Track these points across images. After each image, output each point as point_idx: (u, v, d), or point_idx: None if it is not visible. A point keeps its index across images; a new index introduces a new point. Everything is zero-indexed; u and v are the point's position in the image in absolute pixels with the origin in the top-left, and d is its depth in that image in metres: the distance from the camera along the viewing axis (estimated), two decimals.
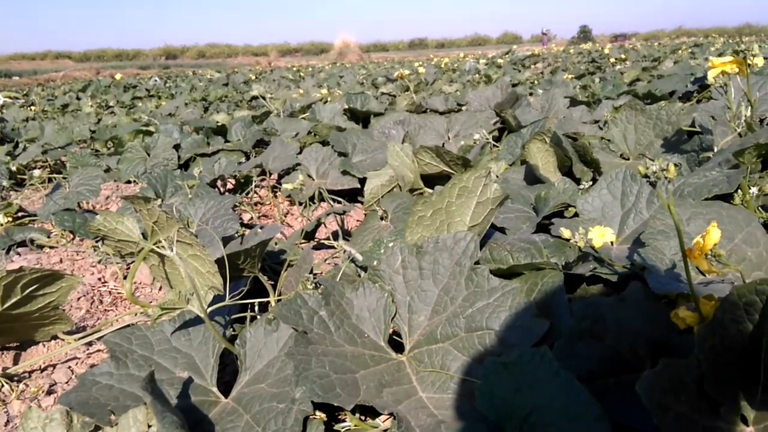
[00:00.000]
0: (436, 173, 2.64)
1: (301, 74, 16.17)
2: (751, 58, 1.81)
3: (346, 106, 4.92)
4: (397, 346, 1.31)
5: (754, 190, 1.63)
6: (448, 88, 7.57)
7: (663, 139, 2.35)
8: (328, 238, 2.57)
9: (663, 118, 2.38)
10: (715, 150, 1.97)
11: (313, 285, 1.54)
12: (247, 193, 3.35)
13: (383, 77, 10.75)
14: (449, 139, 3.64)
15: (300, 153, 3.37)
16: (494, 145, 3.20)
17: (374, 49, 64.94)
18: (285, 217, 3.14)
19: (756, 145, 1.59)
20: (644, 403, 0.83)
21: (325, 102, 5.88)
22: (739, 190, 1.57)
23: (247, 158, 3.99)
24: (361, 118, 4.83)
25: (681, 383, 0.90)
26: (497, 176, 2.47)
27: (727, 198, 1.58)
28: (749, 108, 1.89)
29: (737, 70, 1.79)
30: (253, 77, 15.15)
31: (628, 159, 2.48)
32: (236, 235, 2.13)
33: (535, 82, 7.89)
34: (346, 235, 2.52)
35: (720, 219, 1.27)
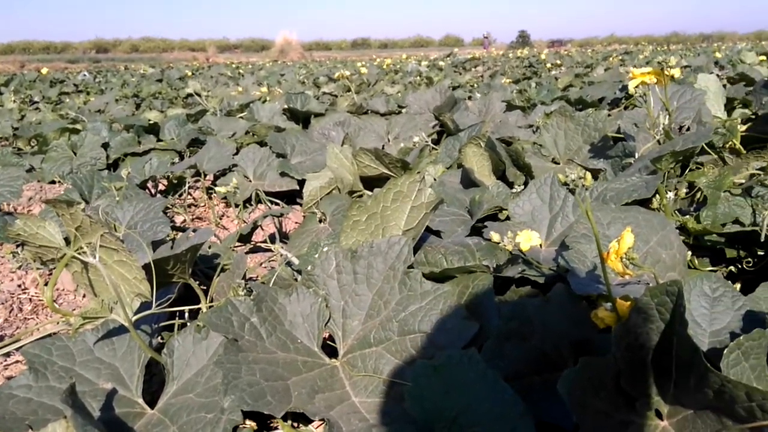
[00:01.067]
0: (375, 175, 2.65)
1: (241, 71, 15.83)
2: (668, 69, 1.92)
3: (286, 106, 4.86)
4: (331, 351, 1.30)
5: (671, 195, 1.72)
6: (390, 89, 7.60)
7: (590, 145, 2.45)
8: (265, 241, 2.53)
9: (590, 125, 2.48)
10: (637, 156, 2.07)
11: (246, 291, 1.52)
12: (180, 195, 3.26)
13: (325, 76, 10.69)
14: (389, 141, 3.67)
15: (237, 153, 3.30)
16: (433, 148, 3.24)
17: (317, 48, 64.42)
18: (220, 219, 3.07)
19: (672, 152, 1.68)
20: (565, 401, 0.87)
21: (264, 101, 5.79)
22: (657, 195, 1.66)
23: (181, 158, 3.88)
24: (301, 118, 4.79)
25: (600, 381, 0.94)
26: (434, 179, 2.51)
27: (646, 202, 1.66)
28: (667, 116, 2.00)
29: (656, 80, 1.89)
30: (190, 73, 14.70)
31: (559, 163, 2.57)
32: (167, 238, 2.07)
33: (475, 85, 8.05)
34: (284, 237, 2.49)
35: (637, 223, 1.34)
